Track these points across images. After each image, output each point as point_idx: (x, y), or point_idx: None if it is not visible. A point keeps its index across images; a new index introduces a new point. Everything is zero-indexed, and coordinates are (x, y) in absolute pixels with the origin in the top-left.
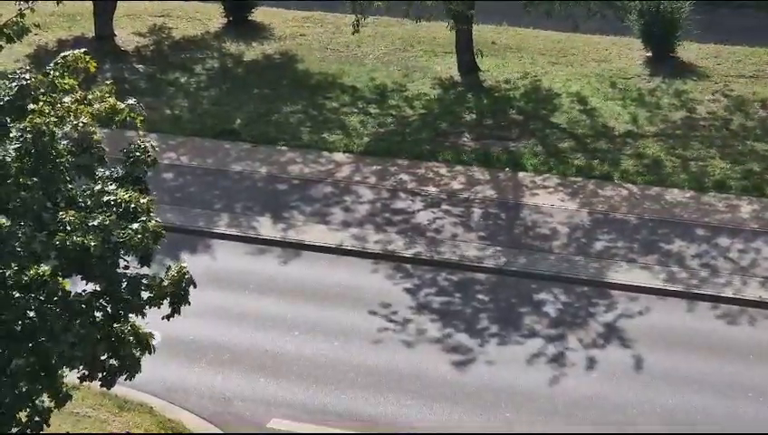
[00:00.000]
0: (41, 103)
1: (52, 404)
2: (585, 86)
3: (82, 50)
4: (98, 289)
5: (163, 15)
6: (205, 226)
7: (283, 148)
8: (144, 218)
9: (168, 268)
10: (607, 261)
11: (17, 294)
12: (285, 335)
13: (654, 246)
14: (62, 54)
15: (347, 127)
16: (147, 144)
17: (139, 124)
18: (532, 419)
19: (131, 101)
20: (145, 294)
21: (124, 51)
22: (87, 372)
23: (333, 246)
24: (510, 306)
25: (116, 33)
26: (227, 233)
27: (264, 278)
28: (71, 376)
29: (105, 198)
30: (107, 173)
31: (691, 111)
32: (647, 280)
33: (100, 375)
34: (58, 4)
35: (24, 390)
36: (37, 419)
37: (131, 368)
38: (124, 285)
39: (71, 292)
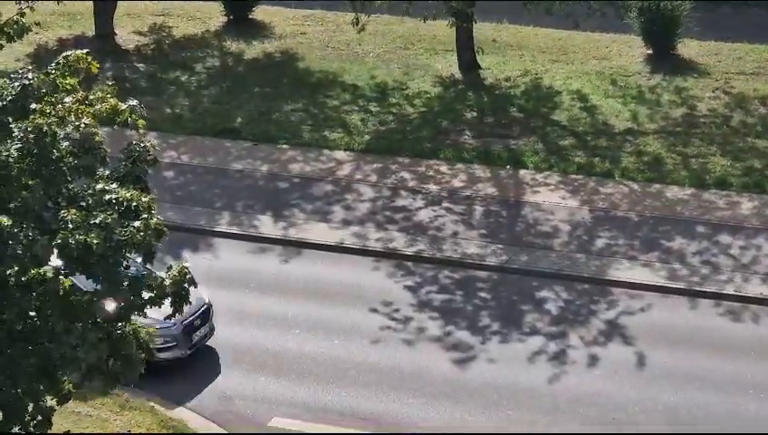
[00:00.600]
0: (42, 103)
1: (54, 403)
2: (586, 84)
3: (84, 50)
4: (99, 288)
5: (163, 14)
6: (206, 224)
7: (284, 146)
8: (145, 216)
9: (170, 267)
10: (608, 258)
11: (18, 294)
12: (286, 334)
13: (655, 243)
14: (64, 54)
15: (348, 125)
16: (147, 143)
17: (140, 127)
18: (533, 416)
19: (133, 102)
20: (146, 294)
21: (125, 50)
22: (89, 372)
23: (334, 244)
24: (511, 304)
25: (116, 31)
26: (228, 231)
27: (264, 277)
28: (73, 375)
29: (106, 197)
30: (107, 172)
31: (691, 108)
32: (648, 277)
33: (102, 377)
34: (58, 3)
35: (26, 390)
36: (40, 418)
37: (134, 369)
38: (126, 284)
39: (72, 291)
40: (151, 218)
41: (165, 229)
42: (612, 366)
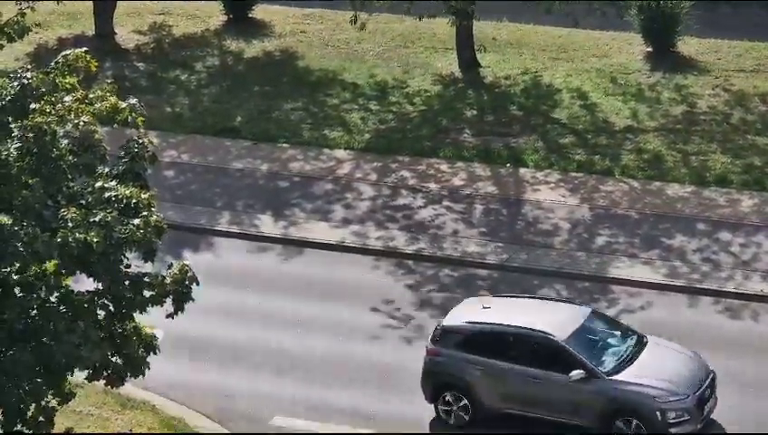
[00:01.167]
0: (42, 102)
1: (56, 402)
2: (585, 82)
3: (83, 49)
4: (100, 287)
5: (163, 13)
6: (206, 223)
7: (284, 145)
8: (145, 214)
9: (170, 266)
10: (608, 256)
11: (19, 293)
12: (287, 332)
13: (655, 241)
14: (63, 53)
15: (348, 124)
16: (145, 139)
17: (140, 124)
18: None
19: (133, 100)
20: (147, 293)
21: (124, 49)
22: (92, 371)
23: (335, 243)
24: None
25: (116, 31)
26: (229, 230)
27: (265, 276)
28: (75, 375)
29: (106, 195)
30: (107, 170)
31: (691, 105)
32: (648, 275)
33: (105, 374)
34: (58, 2)
35: (28, 389)
36: (42, 419)
37: (137, 367)
38: (126, 283)
39: (73, 290)
40: (151, 216)
41: (165, 226)
42: None
